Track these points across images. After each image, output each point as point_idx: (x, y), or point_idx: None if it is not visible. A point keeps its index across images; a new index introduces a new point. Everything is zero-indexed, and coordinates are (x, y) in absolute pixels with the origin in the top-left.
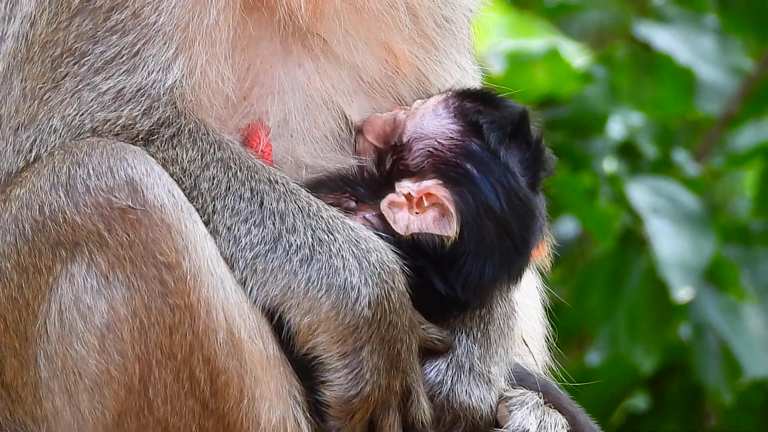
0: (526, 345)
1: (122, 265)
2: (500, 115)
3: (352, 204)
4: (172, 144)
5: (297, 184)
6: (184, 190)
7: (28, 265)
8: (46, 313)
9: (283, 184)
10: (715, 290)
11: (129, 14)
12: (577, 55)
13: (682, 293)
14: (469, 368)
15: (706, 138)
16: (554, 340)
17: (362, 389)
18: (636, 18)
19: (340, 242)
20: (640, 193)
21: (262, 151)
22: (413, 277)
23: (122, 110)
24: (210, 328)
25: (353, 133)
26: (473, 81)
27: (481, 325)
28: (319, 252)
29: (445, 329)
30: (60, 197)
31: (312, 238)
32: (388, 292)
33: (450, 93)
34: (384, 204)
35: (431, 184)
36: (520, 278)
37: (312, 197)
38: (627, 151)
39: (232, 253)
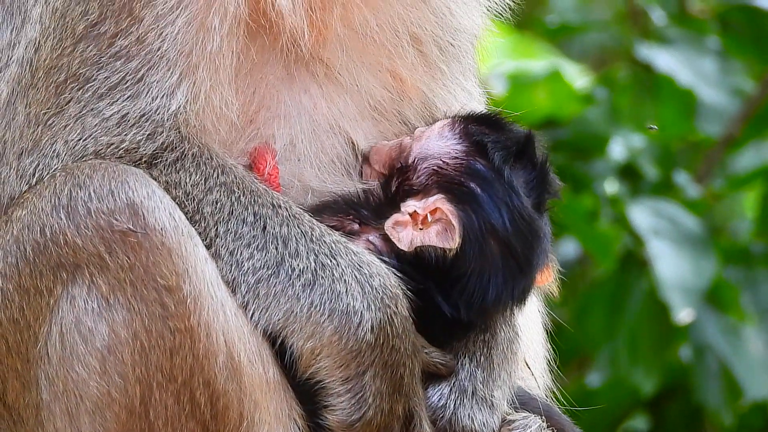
0: (529, 368)
1: (123, 287)
2: (505, 136)
3: (356, 226)
4: (176, 168)
5: (300, 208)
6: (186, 214)
7: (29, 287)
8: (47, 334)
9: (286, 209)
10: (716, 312)
11: (133, 40)
12: (578, 77)
13: (683, 315)
14: (472, 392)
15: (707, 160)
16: (555, 362)
17: (365, 414)
18: (637, 39)
19: (343, 267)
20: (641, 215)
21: (269, 174)
22: (417, 301)
23: (126, 135)
24: (210, 351)
25: (359, 159)
26: (478, 104)
27: (485, 349)
28: (322, 277)
29: (448, 353)
30: (61, 219)
31: (315, 263)
32: (391, 317)
33: (455, 117)
34: (389, 224)
35: (436, 199)
36: (525, 301)
37: (315, 222)
38: (628, 172)
39: (235, 277)
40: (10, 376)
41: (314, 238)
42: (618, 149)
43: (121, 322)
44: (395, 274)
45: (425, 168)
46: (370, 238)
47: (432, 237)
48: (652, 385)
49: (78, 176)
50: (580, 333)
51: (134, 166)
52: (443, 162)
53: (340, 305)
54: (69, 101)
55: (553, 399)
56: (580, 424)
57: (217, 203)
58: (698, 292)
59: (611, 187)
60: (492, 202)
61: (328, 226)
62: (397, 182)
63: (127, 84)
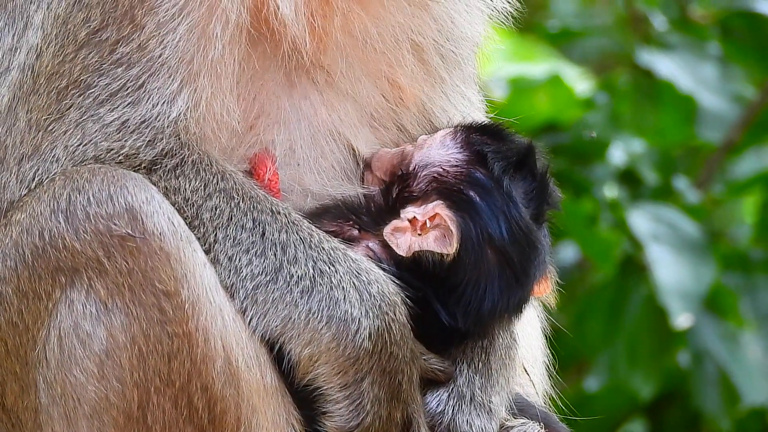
0: (527, 374)
1: (121, 292)
2: (506, 147)
3: (355, 232)
4: (175, 174)
5: (299, 215)
6: (185, 220)
7: (27, 290)
8: (46, 338)
9: (285, 215)
10: (715, 318)
11: (134, 47)
12: (578, 82)
13: (682, 320)
14: (471, 398)
15: (707, 165)
16: (553, 367)
17: (363, 420)
18: (638, 45)
19: (341, 274)
20: (641, 220)
21: (269, 179)
22: (415, 308)
23: (126, 141)
24: (208, 356)
25: (360, 165)
26: (478, 112)
27: (483, 355)
28: (320, 283)
29: (446, 359)
30: (60, 223)
31: (313, 270)
32: (389, 324)
33: (458, 126)
34: (387, 230)
35: (435, 205)
36: (521, 311)
37: (314, 228)
38: (628, 177)
39: (233, 283)
40: (9, 379)
41: (313, 245)
42: (618, 154)
43: (120, 327)
44: (394, 281)
45: (425, 175)
46: (370, 244)
47: (430, 242)
48: (650, 390)
49: (77, 180)
50: (579, 337)
51: (134, 171)
52: (443, 169)
53: (338, 312)
54: (70, 107)
55: (552, 404)
56: (578, 429)
57: (216, 209)
58: (697, 298)
59: (611, 192)
60: (490, 211)
61: (327, 231)
62: (398, 189)
63: (128, 90)
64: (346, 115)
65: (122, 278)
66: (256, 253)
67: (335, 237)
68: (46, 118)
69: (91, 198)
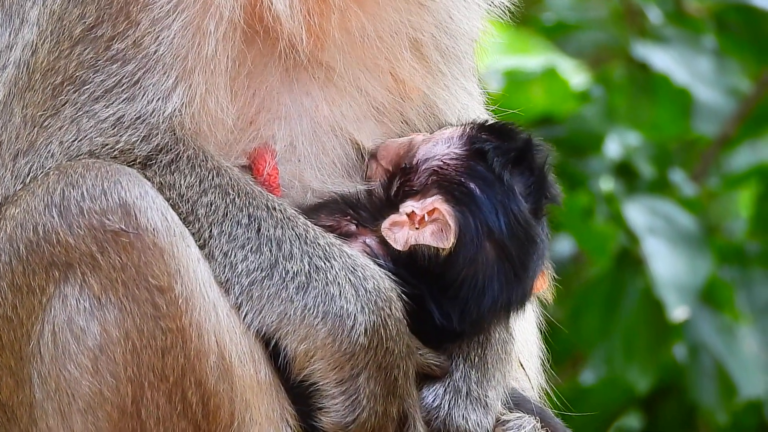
0: (523, 368)
1: (114, 287)
2: (506, 143)
3: (353, 228)
4: (170, 170)
5: (295, 210)
6: (180, 215)
7: (22, 285)
8: (40, 333)
9: (281, 211)
10: (711, 311)
11: (130, 44)
12: (574, 75)
13: (678, 313)
14: (466, 393)
15: (702, 158)
16: (549, 361)
17: (359, 416)
18: (634, 38)
19: (337, 269)
20: (637, 213)
21: (268, 174)
22: (411, 304)
23: (121, 136)
24: (201, 351)
25: (365, 158)
26: (479, 104)
27: (479, 350)
28: (316, 279)
29: (442, 354)
30: (54, 218)
31: (309, 265)
32: (385, 320)
33: (467, 125)
34: (386, 224)
35: (434, 200)
36: (522, 307)
37: (310, 224)
38: (624, 170)
39: (228, 279)
40: (4, 374)
41: (308, 241)
42: (614, 147)
43: (113, 322)
44: (390, 277)
45: (426, 169)
46: (367, 240)
47: (427, 236)
48: (646, 383)
49: (71, 175)
50: (574, 331)
51: (129, 166)
52: (444, 163)
53: (333, 308)
54: (65, 103)
55: (548, 398)
56: (573, 422)
57: (211, 205)
58: (693, 291)
59: (607, 185)
60: (490, 204)
61: (324, 226)
62: (399, 182)
63: (123, 87)
64: (348, 110)
65: (116, 273)
66: (251, 249)
67: (332, 232)
68: (42, 114)
69: (85, 193)
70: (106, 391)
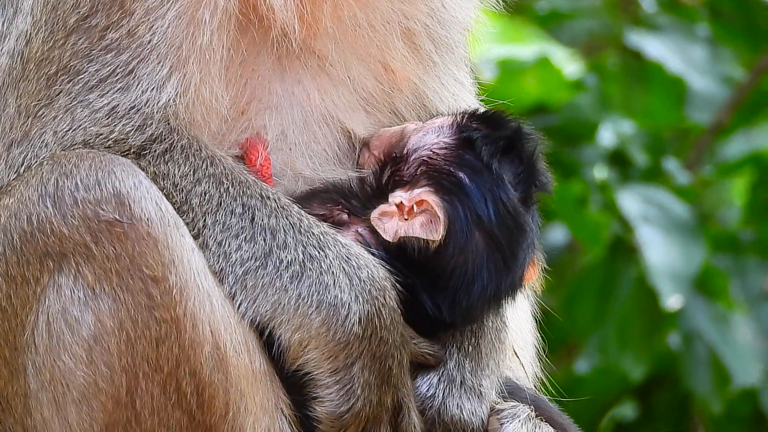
0: (518, 357)
1: (108, 277)
2: (496, 131)
3: (345, 217)
4: (164, 159)
5: (289, 199)
6: (174, 205)
7: (16, 275)
8: (34, 323)
9: (275, 200)
10: (705, 299)
11: (124, 33)
12: (567, 63)
13: (672, 301)
14: (461, 382)
15: (696, 147)
16: (543, 350)
17: (353, 405)
18: (627, 26)
19: (331, 258)
20: (631, 201)
21: (260, 164)
22: (405, 293)
23: (115, 126)
24: (196, 341)
25: (357, 146)
26: (470, 94)
27: (473, 339)
28: (310, 268)
29: (436, 343)
30: (48, 208)
31: (303, 254)
32: (379, 309)
33: (458, 114)
34: (375, 214)
35: (422, 191)
36: (512, 296)
37: (304, 213)
38: (617, 159)
39: (222, 268)
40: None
41: (302, 230)
42: (607, 136)
43: (107, 312)
44: (384, 267)
45: (416, 159)
46: (359, 229)
47: (416, 228)
48: (640, 371)
49: (65, 165)
50: (568, 320)
51: (122, 156)
52: (433, 152)
53: (327, 297)
54: (59, 93)
55: (542, 386)
56: (568, 411)
57: (205, 194)
58: (687, 279)
59: (600, 173)
60: (479, 193)
61: (316, 215)
62: (390, 172)
63: (117, 76)
64: (340, 99)
65: (110, 263)
66: (245, 239)
67: (325, 221)
68: (36, 104)
69: (79, 183)
70: (101, 382)
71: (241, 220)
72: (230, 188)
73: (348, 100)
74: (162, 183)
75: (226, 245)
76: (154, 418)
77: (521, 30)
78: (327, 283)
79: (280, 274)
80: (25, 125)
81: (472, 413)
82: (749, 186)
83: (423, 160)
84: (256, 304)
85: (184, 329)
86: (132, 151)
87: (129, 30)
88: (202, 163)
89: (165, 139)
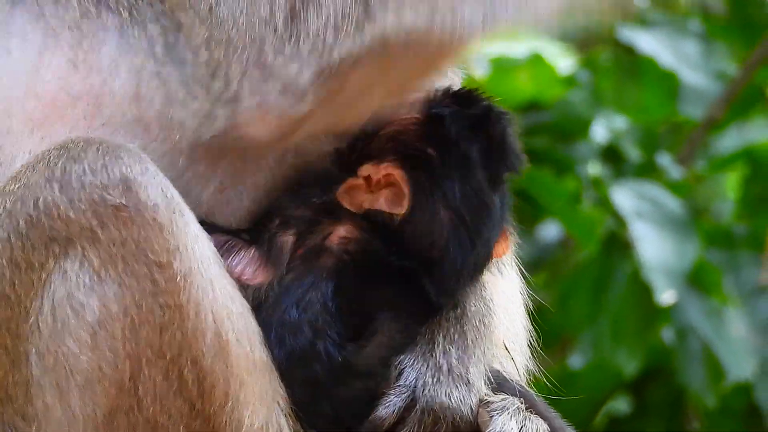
0: (508, 351)
1: (114, 262)
2: (465, 108)
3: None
4: None
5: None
6: None
7: (20, 261)
8: (39, 309)
9: None
10: (699, 294)
11: None
12: (560, 58)
13: (666, 296)
14: (448, 370)
15: (689, 142)
16: (537, 345)
17: None
18: (619, 22)
19: None
20: (624, 197)
21: None
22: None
23: None
24: (198, 329)
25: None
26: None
27: (457, 326)
28: None
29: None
30: (55, 192)
31: None
32: None
33: (430, 91)
34: (342, 189)
35: (389, 165)
36: (478, 274)
37: None
38: (611, 155)
39: None
40: (0, 353)
41: None
42: (600, 131)
43: (113, 297)
44: None
45: (385, 134)
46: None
47: (381, 201)
48: (634, 366)
49: (72, 150)
50: (562, 315)
51: None
52: (402, 128)
53: None
54: None
55: (536, 382)
56: (561, 406)
57: None
58: (681, 274)
59: (594, 169)
60: (445, 171)
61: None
62: (360, 147)
63: None
64: None
65: (115, 248)
66: None
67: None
68: None
69: (87, 167)
70: (105, 367)
71: None
72: None
73: None
74: None
75: None
76: (156, 406)
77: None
78: None
79: None
80: None
81: (461, 401)
82: (742, 180)
83: (391, 135)
84: None
85: (187, 316)
86: None
87: None
88: None
89: None
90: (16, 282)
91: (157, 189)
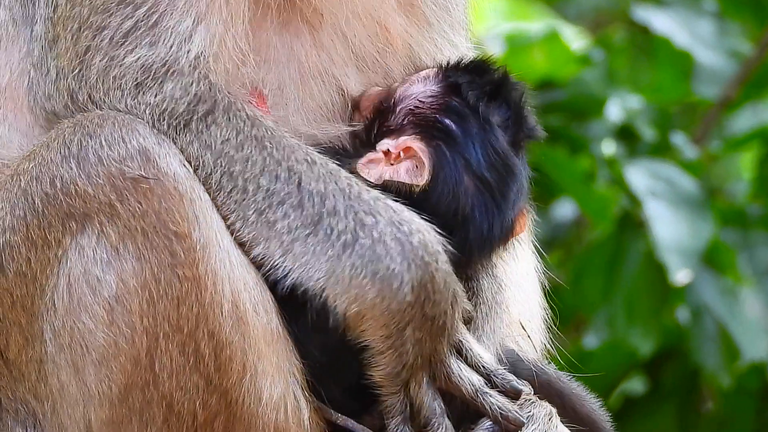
0: (524, 329)
1: (133, 236)
2: (481, 78)
3: None
4: (206, 124)
5: (336, 164)
6: (214, 176)
7: (36, 239)
8: (55, 286)
9: (321, 165)
10: (713, 273)
11: None
12: (575, 39)
13: (680, 276)
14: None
15: (704, 121)
16: (552, 324)
17: (407, 362)
18: (634, 1)
19: (382, 225)
20: (638, 176)
21: None
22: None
23: (163, 86)
24: (216, 300)
25: (349, 105)
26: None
27: (471, 300)
28: (362, 236)
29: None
30: (72, 169)
31: (354, 221)
32: (432, 274)
33: (440, 65)
34: (362, 161)
35: (408, 138)
36: (503, 242)
37: (352, 177)
38: (625, 134)
39: (265, 236)
40: (14, 331)
41: (352, 195)
42: (615, 111)
43: (131, 271)
44: (435, 230)
45: (402, 108)
46: None
47: (401, 173)
48: (649, 346)
49: (87, 126)
50: (577, 295)
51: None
52: (419, 101)
53: (381, 268)
54: (87, 49)
55: (551, 360)
56: None
57: (248, 160)
58: (695, 254)
59: (608, 148)
60: (466, 137)
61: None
62: (378, 124)
63: (141, 29)
64: (336, 55)
65: (135, 221)
66: (292, 205)
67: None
68: (70, 63)
69: (103, 142)
70: (121, 342)
71: (287, 186)
72: (274, 152)
73: (344, 57)
74: (203, 157)
75: (271, 213)
76: (172, 381)
77: (528, 6)
78: (379, 253)
79: (332, 242)
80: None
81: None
82: (757, 160)
83: (409, 109)
84: (307, 271)
85: (204, 287)
86: (180, 119)
87: None
88: (244, 125)
89: (207, 100)
90: (32, 259)
91: (175, 158)
